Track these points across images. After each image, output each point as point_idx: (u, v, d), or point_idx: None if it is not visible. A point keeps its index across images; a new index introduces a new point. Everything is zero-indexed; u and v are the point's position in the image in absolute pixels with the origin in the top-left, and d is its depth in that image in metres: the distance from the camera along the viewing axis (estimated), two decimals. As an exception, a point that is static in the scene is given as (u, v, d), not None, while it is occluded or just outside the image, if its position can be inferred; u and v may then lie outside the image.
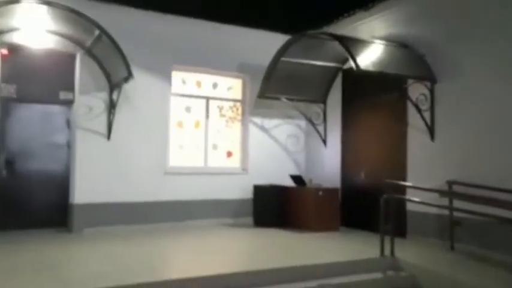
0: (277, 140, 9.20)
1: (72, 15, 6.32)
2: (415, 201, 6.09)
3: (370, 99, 7.93)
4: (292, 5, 7.78)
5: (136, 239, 6.83)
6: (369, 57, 6.51)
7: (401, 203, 6.74)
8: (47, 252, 5.87)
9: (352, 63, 6.28)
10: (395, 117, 7.37)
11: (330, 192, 7.98)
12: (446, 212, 6.20)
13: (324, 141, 8.99)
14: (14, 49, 7.05)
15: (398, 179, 6.89)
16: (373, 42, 7.03)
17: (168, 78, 8.22)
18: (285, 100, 8.73)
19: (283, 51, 7.86)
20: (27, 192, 7.18)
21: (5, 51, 6.94)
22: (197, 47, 8.37)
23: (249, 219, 8.48)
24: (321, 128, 9.03)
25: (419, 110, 6.74)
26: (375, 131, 7.83)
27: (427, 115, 6.75)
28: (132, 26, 7.62)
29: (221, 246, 6.57)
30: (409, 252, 5.83)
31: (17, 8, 6.17)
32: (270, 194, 8.26)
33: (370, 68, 6.27)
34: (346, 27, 8.11)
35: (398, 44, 7.10)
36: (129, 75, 6.66)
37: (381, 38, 7.31)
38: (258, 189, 8.38)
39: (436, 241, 6.45)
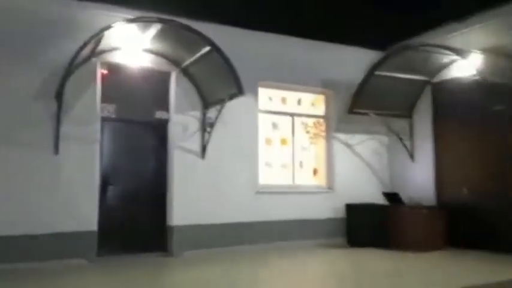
0: (361, 157, 8.93)
1: (182, 32, 6.18)
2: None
3: (468, 112, 7.61)
4: (376, 20, 7.55)
5: (239, 262, 6.58)
6: (487, 68, 6.29)
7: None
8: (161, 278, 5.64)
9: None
10: (502, 130, 7.07)
11: (433, 210, 7.66)
12: None
13: (412, 156, 8.68)
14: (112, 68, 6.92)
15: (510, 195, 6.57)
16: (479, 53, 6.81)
17: (255, 95, 8.03)
18: (373, 115, 8.48)
19: (378, 64, 7.67)
20: (125, 214, 6.93)
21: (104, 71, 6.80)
22: (282, 63, 8.21)
23: (341, 240, 8.16)
24: (407, 143, 8.73)
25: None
26: (478, 145, 7.46)
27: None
28: (219, 43, 7.42)
29: (329, 269, 6.27)
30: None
31: (118, 28, 5.98)
32: (364, 213, 7.94)
33: (498, 80, 6.03)
34: (434, 40, 7.84)
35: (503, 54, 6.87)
36: (239, 92, 6.45)
37: (478, 49, 7.08)
38: (352, 208, 8.07)
39: None
